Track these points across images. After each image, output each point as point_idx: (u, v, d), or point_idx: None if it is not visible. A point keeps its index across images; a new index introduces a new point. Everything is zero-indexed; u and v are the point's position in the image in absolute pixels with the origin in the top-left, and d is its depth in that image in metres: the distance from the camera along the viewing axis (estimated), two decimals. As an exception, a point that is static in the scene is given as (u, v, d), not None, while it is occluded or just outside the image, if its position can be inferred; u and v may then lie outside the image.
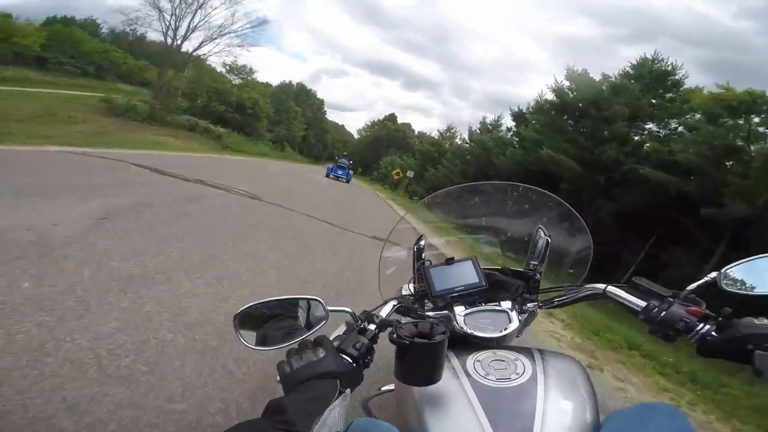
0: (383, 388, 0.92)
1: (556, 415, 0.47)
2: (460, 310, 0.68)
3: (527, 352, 0.58)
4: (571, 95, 12.66)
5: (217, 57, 20.75)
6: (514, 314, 0.65)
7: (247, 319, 0.57)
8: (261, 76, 31.46)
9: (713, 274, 0.58)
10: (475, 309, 0.68)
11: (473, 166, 17.07)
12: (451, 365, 0.56)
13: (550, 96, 13.73)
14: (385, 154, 50.14)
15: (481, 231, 1.01)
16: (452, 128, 36.51)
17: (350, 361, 0.52)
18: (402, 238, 0.94)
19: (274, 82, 40.56)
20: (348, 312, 0.59)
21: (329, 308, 0.58)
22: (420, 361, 0.52)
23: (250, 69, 25.21)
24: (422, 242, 0.84)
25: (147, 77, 18.59)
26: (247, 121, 22.53)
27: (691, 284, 0.57)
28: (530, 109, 15.40)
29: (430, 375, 0.52)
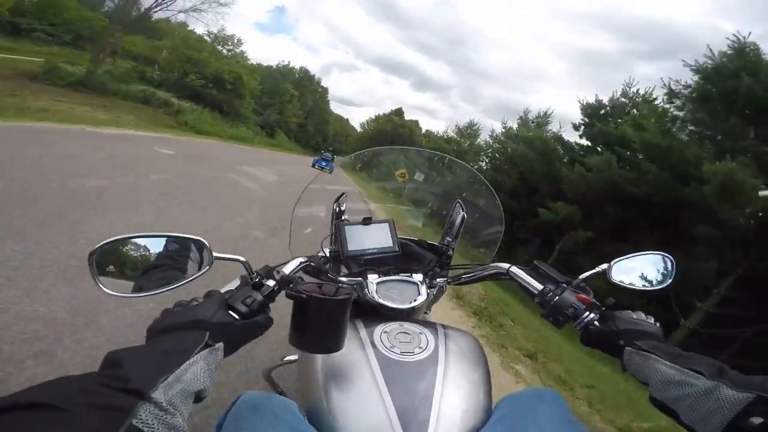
0: (287, 358, 0.91)
1: (453, 393, 0.51)
2: (373, 278, 0.69)
3: (432, 326, 0.62)
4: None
5: (202, 24, 19.33)
6: (423, 288, 0.69)
7: (111, 256, 0.49)
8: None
9: (604, 266, 0.63)
10: (387, 278, 0.70)
11: (514, 173, 13.90)
12: (358, 335, 0.58)
13: (688, 77, 9.12)
14: None
15: (404, 199, 1.06)
16: (474, 125, 32.87)
17: (236, 318, 0.48)
18: (324, 196, 0.90)
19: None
20: (241, 261, 0.54)
21: (216, 254, 0.52)
22: (318, 323, 0.49)
23: (238, 40, 23.53)
24: (344, 201, 0.84)
25: (135, 50, 18.34)
26: (227, 98, 20.69)
27: (584, 273, 0.61)
28: (643, 96, 11.77)
29: (330, 341, 0.49)
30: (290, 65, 41.86)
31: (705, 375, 0.42)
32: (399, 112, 56.00)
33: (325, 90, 51.98)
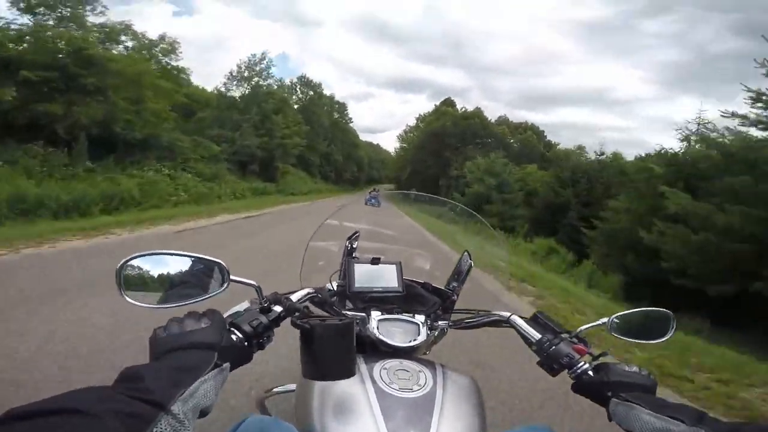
0: (281, 388, 1.06)
1: (449, 430, 0.58)
2: (376, 314, 0.80)
3: (431, 365, 0.71)
4: None
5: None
6: (424, 329, 0.79)
7: (136, 271, 0.59)
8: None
9: (604, 319, 0.73)
10: (390, 316, 0.80)
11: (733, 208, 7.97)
12: (358, 370, 0.65)
13: None
14: (455, 157, 39.79)
15: (414, 242, 1.30)
16: (705, 123, 13.77)
17: (241, 337, 0.58)
18: (339, 232, 1.07)
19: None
20: (253, 286, 0.64)
21: (233, 277, 0.62)
22: (324, 350, 0.57)
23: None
24: (356, 239, 0.99)
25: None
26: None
27: (584, 325, 0.73)
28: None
29: (338, 367, 0.57)
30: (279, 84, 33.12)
31: (685, 422, 0.48)
32: (449, 102, 47.74)
33: (344, 106, 48.31)
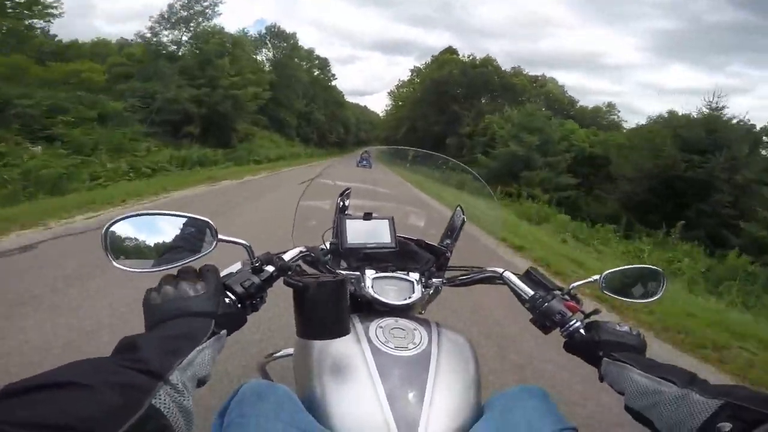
0: (282, 352, 1.16)
1: (444, 389, 0.63)
2: (370, 273, 0.86)
3: (426, 323, 0.77)
4: None
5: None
6: (419, 286, 0.86)
7: (122, 234, 0.60)
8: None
9: (596, 276, 0.79)
10: (384, 274, 0.86)
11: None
12: (354, 329, 0.71)
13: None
14: (466, 112, 33.16)
15: (407, 199, 1.44)
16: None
17: (234, 299, 0.61)
18: (330, 190, 1.12)
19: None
20: (243, 245, 0.66)
21: (221, 237, 0.64)
22: (318, 308, 0.60)
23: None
24: (348, 196, 1.06)
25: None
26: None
27: (576, 282, 0.80)
28: None
29: (332, 326, 0.61)
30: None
31: (676, 383, 0.51)
32: (451, 50, 40.46)
33: (325, 61, 43.85)
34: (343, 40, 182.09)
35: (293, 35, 36.50)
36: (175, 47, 17.79)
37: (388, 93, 51.52)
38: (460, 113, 32.69)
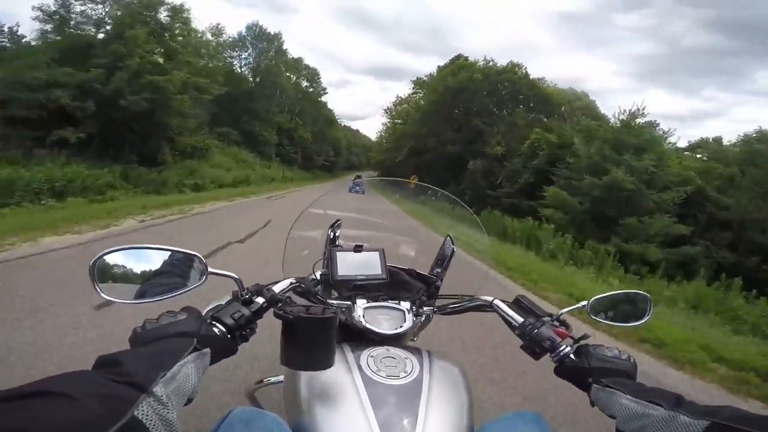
0: (271, 379, 1.35)
1: (437, 417, 0.75)
2: (361, 302, 1.04)
3: (417, 352, 0.92)
4: None
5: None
6: (410, 315, 1.04)
7: (111, 267, 0.74)
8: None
9: (584, 302, 0.99)
10: (375, 304, 1.05)
11: None
12: (345, 358, 0.86)
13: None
14: (494, 127, 32.47)
15: (398, 228, 1.84)
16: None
17: (224, 330, 0.76)
18: (321, 220, 1.39)
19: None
20: (233, 278, 0.83)
21: (212, 270, 0.80)
22: (305, 342, 0.73)
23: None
24: (338, 227, 1.31)
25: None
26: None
27: (565, 308, 0.99)
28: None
29: (317, 358, 0.74)
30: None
31: (663, 406, 0.63)
32: (463, 58, 37.46)
33: (315, 72, 47.25)
34: (335, 63, 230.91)
35: (278, 36, 37.54)
36: (94, 28, 15.20)
37: (385, 110, 51.95)
38: (484, 128, 30.98)
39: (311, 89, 45.04)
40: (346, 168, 66.95)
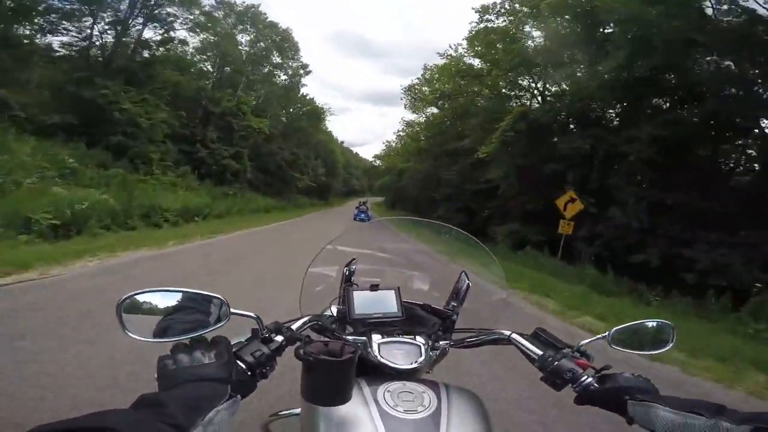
0: (286, 411, 1.57)
1: None
2: (377, 338, 1.21)
3: (434, 385, 1.05)
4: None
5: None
6: (425, 349, 1.20)
7: (136, 308, 0.93)
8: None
9: (605, 333, 1.14)
10: (390, 339, 1.21)
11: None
12: (361, 393, 0.99)
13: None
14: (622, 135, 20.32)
15: (413, 265, 1.89)
16: None
17: (244, 368, 0.92)
18: (336, 258, 1.61)
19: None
20: (253, 317, 1.00)
21: (233, 310, 0.97)
22: (326, 380, 0.89)
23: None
24: (353, 265, 1.52)
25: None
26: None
27: (584, 340, 1.14)
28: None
29: (337, 395, 0.89)
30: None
31: (705, 415, 0.73)
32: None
33: (290, 40, 39.42)
34: (334, 91, 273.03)
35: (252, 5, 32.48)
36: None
37: (402, 120, 46.50)
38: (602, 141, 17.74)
39: (283, 64, 37.46)
40: (347, 194, 65.30)
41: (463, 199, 27.67)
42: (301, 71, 40.12)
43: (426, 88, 33.64)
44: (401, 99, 39.46)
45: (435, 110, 33.44)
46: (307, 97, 43.23)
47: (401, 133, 44.79)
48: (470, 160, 24.31)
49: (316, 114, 43.87)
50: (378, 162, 58.27)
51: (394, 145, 50.00)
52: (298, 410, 1.29)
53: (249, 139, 30.11)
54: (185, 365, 0.78)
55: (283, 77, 39.28)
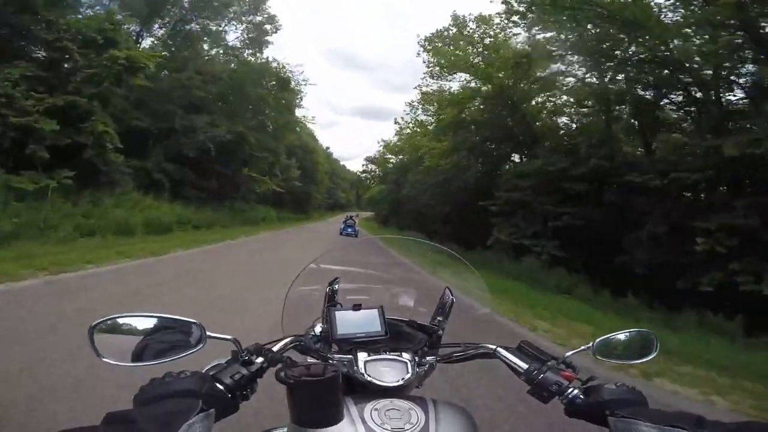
0: (273, 430, 1.45)
1: None
2: (362, 356, 1.28)
3: (422, 401, 1.10)
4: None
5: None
6: (412, 366, 1.27)
7: (111, 332, 0.99)
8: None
9: (589, 344, 1.26)
10: (376, 357, 1.28)
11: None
12: (348, 411, 1.02)
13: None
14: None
15: (396, 281, 2.06)
16: None
17: (223, 390, 0.98)
18: (319, 275, 1.70)
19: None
20: (231, 340, 1.07)
21: (210, 334, 1.05)
22: (310, 401, 0.93)
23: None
24: (336, 284, 1.63)
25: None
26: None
27: (570, 351, 1.27)
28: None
29: (324, 416, 0.93)
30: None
31: (686, 428, 0.78)
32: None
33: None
34: (323, 105, 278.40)
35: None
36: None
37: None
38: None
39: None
40: (331, 207, 63.08)
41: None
42: (267, 26, 34.09)
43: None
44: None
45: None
46: (273, 65, 35.24)
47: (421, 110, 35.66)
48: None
49: (281, 83, 34.70)
50: (371, 167, 56.78)
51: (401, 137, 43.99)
52: (285, 429, 1.33)
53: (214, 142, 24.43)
54: (156, 383, 0.86)
55: (237, 34, 33.67)
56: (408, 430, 0.98)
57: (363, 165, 63.08)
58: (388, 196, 46.82)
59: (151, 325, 1.01)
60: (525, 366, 1.20)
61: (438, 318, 1.50)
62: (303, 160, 45.79)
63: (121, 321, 0.99)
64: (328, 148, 69.73)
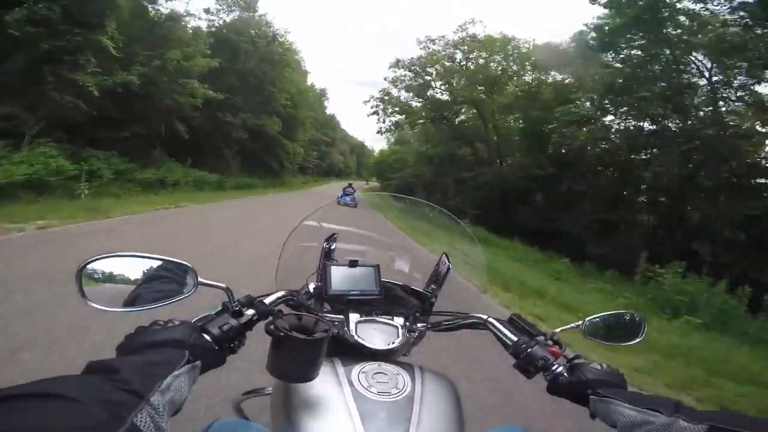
0: (258, 390, 1.70)
1: (427, 431, 0.96)
2: (354, 317, 1.31)
3: (409, 368, 1.14)
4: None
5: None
6: (403, 331, 1.30)
7: (99, 274, 0.94)
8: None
9: (578, 322, 1.27)
10: (368, 318, 1.32)
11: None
12: (335, 373, 1.07)
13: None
14: None
15: (394, 244, 2.06)
16: None
17: (210, 341, 0.96)
18: (317, 233, 1.70)
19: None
20: (223, 288, 1.04)
21: (201, 280, 1.02)
22: (292, 357, 0.93)
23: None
24: (334, 241, 1.62)
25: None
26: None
27: (558, 327, 1.26)
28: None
29: (304, 372, 0.93)
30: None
31: (663, 413, 0.81)
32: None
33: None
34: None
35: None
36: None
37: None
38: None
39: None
40: (324, 174, 57.01)
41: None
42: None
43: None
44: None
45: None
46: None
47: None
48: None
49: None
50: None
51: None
52: (270, 389, 1.35)
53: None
54: (142, 331, 0.86)
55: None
56: (393, 394, 1.01)
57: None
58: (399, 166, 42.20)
59: (142, 267, 0.97)
60: (514, 338, 1.21)
61: (432, 285, 1.51)
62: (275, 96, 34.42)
63: (109, 261, 0.93)
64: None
